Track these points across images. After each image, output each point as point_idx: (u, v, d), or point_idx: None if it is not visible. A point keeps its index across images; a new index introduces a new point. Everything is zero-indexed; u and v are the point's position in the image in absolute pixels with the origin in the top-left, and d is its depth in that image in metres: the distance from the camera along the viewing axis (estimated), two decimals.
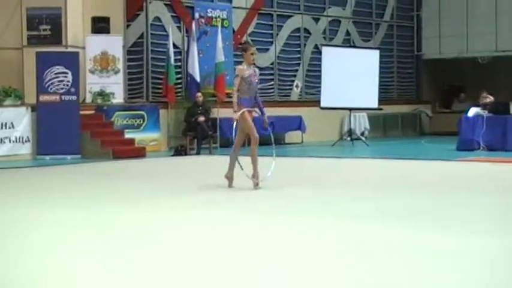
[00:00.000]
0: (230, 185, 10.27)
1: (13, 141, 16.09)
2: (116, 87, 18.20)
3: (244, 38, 19.16)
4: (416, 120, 25.37)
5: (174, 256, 5.82)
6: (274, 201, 9.03)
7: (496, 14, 23.41)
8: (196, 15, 19.35)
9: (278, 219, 7.61)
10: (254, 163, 10.14)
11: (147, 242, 6.41)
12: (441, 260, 5.49)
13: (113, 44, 18.20)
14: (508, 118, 16.80)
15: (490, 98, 17.88)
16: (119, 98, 18.23)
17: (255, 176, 10.10)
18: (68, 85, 16.57)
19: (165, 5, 19.25)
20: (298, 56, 22.31)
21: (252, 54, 10.06)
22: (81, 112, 16.83)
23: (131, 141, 17.25)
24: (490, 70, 23.66)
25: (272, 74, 21.62)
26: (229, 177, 10.30)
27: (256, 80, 10.20)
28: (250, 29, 21.05)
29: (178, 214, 8.10)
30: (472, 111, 17.33)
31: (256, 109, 10.34)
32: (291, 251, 5.97)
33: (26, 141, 16.29)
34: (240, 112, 10.01)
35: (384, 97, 22.83)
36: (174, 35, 18.89)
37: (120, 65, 18.27)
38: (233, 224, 7.36)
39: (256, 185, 10.03)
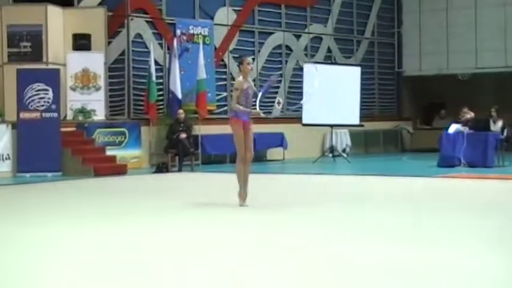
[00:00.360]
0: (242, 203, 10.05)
1: None
2: (97, 104, 18.14)
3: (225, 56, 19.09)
4: (398, 136, 25.46)
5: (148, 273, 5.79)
6: (255, 220, 9.00)
7: (475, 31, 23.59)
8: (178, 32, 19.34)
9: (263, 237, 7.60)
10: (241, 184, 10.04)
11: (123, 258, 6.37)
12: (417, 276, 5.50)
13: (94, 61, 18.15)
14: (489, 135, 16.90)
15: (470, 114, 17.98)
16: (100, 115, 18.16)
17: (240, 196, 10.03)
18: (48, 102, 16.50)
19: (147, 22, 19.24)
20: (280, 72, 22.35)
21: (248, 64, 10.12)
22: (62, 129, 16.74)
23: (112, 158, 17.18)
24: (470, 87, 23.80)
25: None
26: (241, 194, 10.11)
27: (252, 93, 10.19)
28: (232, 46, 21.08)
29: (160, 231, 8.06)
30: (453, 128, 17.42)
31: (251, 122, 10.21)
32: (276, 267, 5.96)
33: (6, 159, 16.18)
34: (230, 123, 10.03)
35: (365, 114, 22.90)
36: (155, 52, 18.87)
37: (101, 82, 18.22)
38: (214, 243, 7.33)
39: (241, 205, 9.97)
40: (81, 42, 18.10)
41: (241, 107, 9.91)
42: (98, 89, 18.18)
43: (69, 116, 17.92)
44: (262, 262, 6.26)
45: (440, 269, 5.87)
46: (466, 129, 17.23)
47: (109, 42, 18.75)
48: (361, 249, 6.78)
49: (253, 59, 10.36)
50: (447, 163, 16.91)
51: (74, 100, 18.01)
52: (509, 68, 23.21)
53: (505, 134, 17.28)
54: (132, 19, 18.92)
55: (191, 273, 5.87)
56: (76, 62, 18.08)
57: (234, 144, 10.12)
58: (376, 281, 5.48)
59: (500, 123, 17.44)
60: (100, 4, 18.75)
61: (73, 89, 18.07)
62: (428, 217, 8.92)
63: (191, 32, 19.55)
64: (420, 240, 7.28)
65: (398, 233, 7.79)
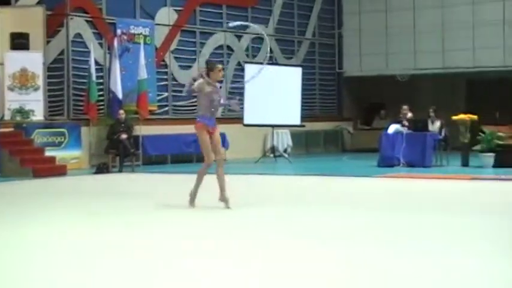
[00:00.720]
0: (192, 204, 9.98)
1: None
2: (35, 104, 17.88)
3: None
4: (338, 137, 25.67)
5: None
6: (197, 220, 9.00)
7: (414, 33, 23.93)
8: (119, 31, 19.19)
9: (199, 238, 7.60)
10: (197, 185, 9.98)
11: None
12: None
13: (33, 61, 17.89)
14: (427, 135, 17.16)
15: (410, 113, 18.24)
16: (39, 116, 17.91)
17: (191, 196, 9.94)
18: None
19: (87, 21, 19.03)
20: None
21: (219, 71, 9.99)
22: (0, 130, 16.47)
23: (52, 159, 16.95)
24: (409, 88, 24.13)
25: (195, 91, 21.51)
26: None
27: (219, 98, 10.02)
28: (173, 46, 21.00)
29: (100, 233, 8.00)
30: (392, 128, 17.64)
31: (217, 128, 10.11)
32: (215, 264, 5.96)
33: None
34: (196, 128, 9.92)
35: (307, 114, 23.03)
36: (95, 52, 18.70)
37: (40, 82, 17.97)
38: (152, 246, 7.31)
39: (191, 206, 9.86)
40: (19, 41, 17.82)
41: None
42: (36, 89, 17.92)
43: (7, 116, 17.63)
44: (215, 265, 6.26)
45: (386, 271, 5.95)
46: (405, 130, 17.47)
47: (48, 42, 18.49)
48: (300, 250, 6.84)
49: (223, 68, 10.15)
50: (387, 163, 17.14)
51: (12, 100, 17.72)
52: (447, 69, 23.60)
53: (443, 134, 17.56)
54: (71, 18, 18.70)
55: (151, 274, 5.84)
56: (14, 62, 17.79)
57: (201, 148, 9.98)
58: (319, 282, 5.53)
59: (438, 124, 17.72)
60: (38, 3, 18.46)
61: (11, 89, 17.78)
62: (368, 217, 9.03)
63: (132, 31, 19.41)
64: (359, 240, 7.37)
65: (338, 233, 7.87)
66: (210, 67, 10.06)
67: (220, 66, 10.15)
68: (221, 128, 20.74)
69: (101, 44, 19.28)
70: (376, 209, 9.86)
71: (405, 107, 18.39)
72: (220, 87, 9.99)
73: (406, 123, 17.68)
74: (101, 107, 19.03)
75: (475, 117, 17.61)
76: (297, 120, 21.27)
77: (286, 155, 21.49)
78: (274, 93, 20.67)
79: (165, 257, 6.56)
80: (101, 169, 16.99)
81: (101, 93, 19.02)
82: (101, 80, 19.13)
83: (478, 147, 16.77)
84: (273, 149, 21.07)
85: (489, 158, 16.51)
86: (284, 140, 23.01)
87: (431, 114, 17.88)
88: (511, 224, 8.38)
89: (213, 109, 9.92)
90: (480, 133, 16.88)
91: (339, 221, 8.80)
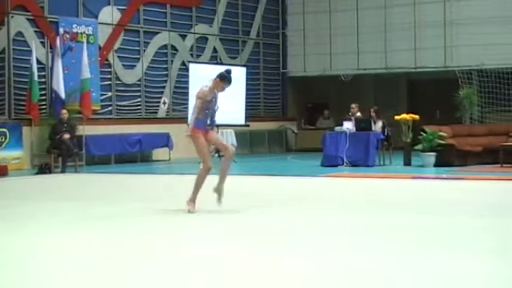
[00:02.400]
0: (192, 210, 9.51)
1: None
2: None
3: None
4: (283, 136, 25.79)
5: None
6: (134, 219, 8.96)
7: (357, 33, 24.16)
8: (61, 30, 18.96)
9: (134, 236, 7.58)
10: (195, 191, 9.64)
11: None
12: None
13: None
14: (370, 134, 17.36)
15: (359, 113, 18.44)
16: None
17: (191, 199, 9.60)
18: None
19: (28, 19, 18.77)
20: (166, 72, 22.26)
21: (223, 89, 9.76)
22: None
23: None
24: (352, 88, 24.36)
25: (139, 91, 21.46)
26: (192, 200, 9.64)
27: (216, 108, 9.79)
28: (117, 45, 20.85)
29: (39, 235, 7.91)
30: (346, 125, 17.76)
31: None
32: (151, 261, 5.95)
33: None
34: (191, 134, 9.58)
35: (251, 114, 23.09)
36: (37, 51, 18.46)
37: None
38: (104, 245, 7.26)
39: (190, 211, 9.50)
40: None
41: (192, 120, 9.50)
42: None
43: None
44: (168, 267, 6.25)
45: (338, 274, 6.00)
46: (349, 129, 17.62)
47: None
48: (241, 252, 6.86)
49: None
50: (330, 162, 17.29)
51: None
52: (389, 69, 23.90)
53: (386, 133, 17.77)
54: (12, 17, 18.41)
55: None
56: None
57: (198, 154, 9.80)
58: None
59: (380, 124, 17.93)
60: None
61: None
62: (315, 215, 9.10)
63: (75, 30, 19.20)
64: (306, 241, 7.42)
65: (280, 233, 7.92)
66: (221, 79, 9.73)
67: (229, 86, 9.85)
68: (166, 127, 21.04)
69: (43, 43, 19.04)
70: (318, 208, 9.93)
71: (354, 105, 18.58)
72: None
73: (352, 120, 17.87)
74: (43, 107, 18.80)
75: (416, 117, 17.87)
76: (241, 120, 21.33)
77: None
78: (219, 93, 20.65)
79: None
80: (43, 169, 16.79)
81: (43, 92, 18.79)
82: (43, 80, 18.90)
83: (419, 146, 17.01)
84: (218, 149, 21.03)
85: (430, 157, 16.76)
86: (228, 140, 22.96)
87: (373, 114, 18.10)
88: (452, 223, 8.51)
89: (208, 114, 9.67)
90: (422, 133, 17.12)
91: (281, 219, 8.85)
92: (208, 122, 9.73)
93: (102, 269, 6.05)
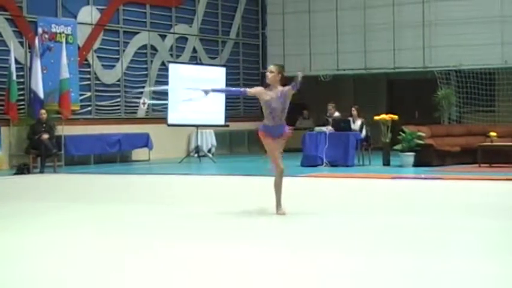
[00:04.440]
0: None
1: None
2: None
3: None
4: None
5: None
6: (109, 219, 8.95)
7: (337, 34, 24.21)
8: (40, 30, 18.86)
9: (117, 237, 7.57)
10: (278, 196, 9.37)
11: None
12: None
13: None
14: (349, 134, 17.41)
15: (337, 113, 18.50)
16: None
17: (278, 206, 9.29)
18: None
19: (6, 19, 18.65)
20: (145, 72, 22.22)
21: (269, 73, 9.52)
22: None
23: None
24: (331, 88, 24.42)
25: (119, 91, 21.40)
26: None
27: (281, 101, 9.44)
28: (96, 45, 20.77)
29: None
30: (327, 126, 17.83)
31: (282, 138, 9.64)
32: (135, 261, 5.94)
33: None
34: (262, 138, 9.50)
35: (231, 114, 23.09)
36: (16, 51, 18.36)
37: None
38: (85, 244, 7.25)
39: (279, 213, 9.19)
40: None
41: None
42: None
43: None
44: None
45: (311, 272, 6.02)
46: (328, 129, 17.68)
47: None
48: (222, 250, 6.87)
49: (283, 66, 9.73)
50: (310, 163, 17.34)
51: None
52: (368, 69, 23.97)
53: (364, 133, 17.83)
54: None
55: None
56: None
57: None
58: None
59: (359, 122, 18.00)
60: None
61: None
62: (295, 216, 9.12)
63: (53, 30, 19.10)
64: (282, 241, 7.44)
65: (259, 234, 7.93)
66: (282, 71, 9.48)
67: (269, 67, 9.62)
68: (145, 128, 20.99)
69: (21, 43, 18.94)
70: (299, 209, 9.96)
71: (331, 105, 18.63)
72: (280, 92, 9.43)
73: (330, 121, 17.93)
74: (22, 107, 18.70)
75: (395, 117, 17.95)
76: (221, 120, 21.33)
77: (210, 155, 21.51)
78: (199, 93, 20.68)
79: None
80: (22, 170, 16.71)
81: (21, 92, 18.69)
82: (22, 80, 18.79)
83: (398, 146, 17.09)
84: (197, 149, 21.05)
85: (409, 157, 16.84)
86: (208, 140, 23.03)
87: (354, 113, 18.16)
88: (433, 222, 8.55)
89: (275, 118, 9.37)
90: (401, 133, 17.21)
91: (262, 220, 8.86)
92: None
93: (86, 269, 6.04)
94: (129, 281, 5.59)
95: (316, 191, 12.59)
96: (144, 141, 20.93)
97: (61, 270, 6.02)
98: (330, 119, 18.10)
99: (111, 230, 8.31)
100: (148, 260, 6.36)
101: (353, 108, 18.31)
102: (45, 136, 17.19)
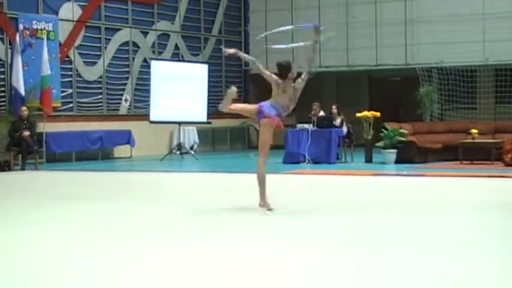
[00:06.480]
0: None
1: None
2: None
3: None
4: (245, 134, 25.79)
5: None
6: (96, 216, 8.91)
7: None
8: (21, 26, 18.75)
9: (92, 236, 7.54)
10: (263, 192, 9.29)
11: None
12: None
13: None
14: (332, 132, 17.43)
15: (322, 112, 18.52)
16: None
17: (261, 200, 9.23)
18: None
19: None
20: (127, 69, 22.14)
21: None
22: None
23: None
24: (314, 85, 24.40)
25: (100, 88, 21.31)
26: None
27: (288, 104, 9.51)
28: (78, 42, 20.68)
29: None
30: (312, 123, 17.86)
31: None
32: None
33: None
34: (266, 120, 9.51)
35: (213, 111, 23.00)
36: None
37: None
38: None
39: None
40: None
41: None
42: None
43: None
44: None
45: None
46: (310, 127, 17.70)
47: None
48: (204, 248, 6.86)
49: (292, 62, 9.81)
50: (292, 160, 17.35)
51: None
52: (350, 66, 24.02)
53: (344, 130, 17.85)
54: None
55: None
56: None
57: (262, 147, 9.58)
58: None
59: (339, 120, 18.02)
60: None
61: None
62: (279, 215, 9.12)
63: (34, 27, 19.00)
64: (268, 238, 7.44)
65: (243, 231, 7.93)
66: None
67: (279, 61, 9.67)
68: (127, 125, 20.92)
69: (2, 39, 18.82)
70: (282, 207, 9.94)
71: (316, 104, 18.63)
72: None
73: (315, 120, 17.94)
74: (3, 104, 18.60)
75: (378, 114, 17.99)
76: (203, 117, 21.30)
77: (192, 152, 21.47)
78: (181, 90, 20.69)
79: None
80: (3, 167, 16.62)
81: (2, 89, 18.60)
82: (3, 76, 18.69)
83: (381, 143, 17.13)
84: (180, 146, 21.01)
85: (391, 154, 16.89)
86: (191, 137, 22.99)
87: (334, 111, 18.19)
88: (415, 220, 8.57)
89: (283, 103, 9.63)
90: (383, 130, 17.25)
91: (249, 217, 8.86)
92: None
93: (61, 269, 6.01)
94: (116, 282, 5.57)
95: (298, 188, 12.59)
96: (126, 138, 20.86)
97: (35, 270, 5.99)
98: (314, 118, 18.08)
99: (92, 228, 8.27)
100: (134, 260, 6.34)
101: (333, 107, 18.34)
102: (26, 133, 17.09)
